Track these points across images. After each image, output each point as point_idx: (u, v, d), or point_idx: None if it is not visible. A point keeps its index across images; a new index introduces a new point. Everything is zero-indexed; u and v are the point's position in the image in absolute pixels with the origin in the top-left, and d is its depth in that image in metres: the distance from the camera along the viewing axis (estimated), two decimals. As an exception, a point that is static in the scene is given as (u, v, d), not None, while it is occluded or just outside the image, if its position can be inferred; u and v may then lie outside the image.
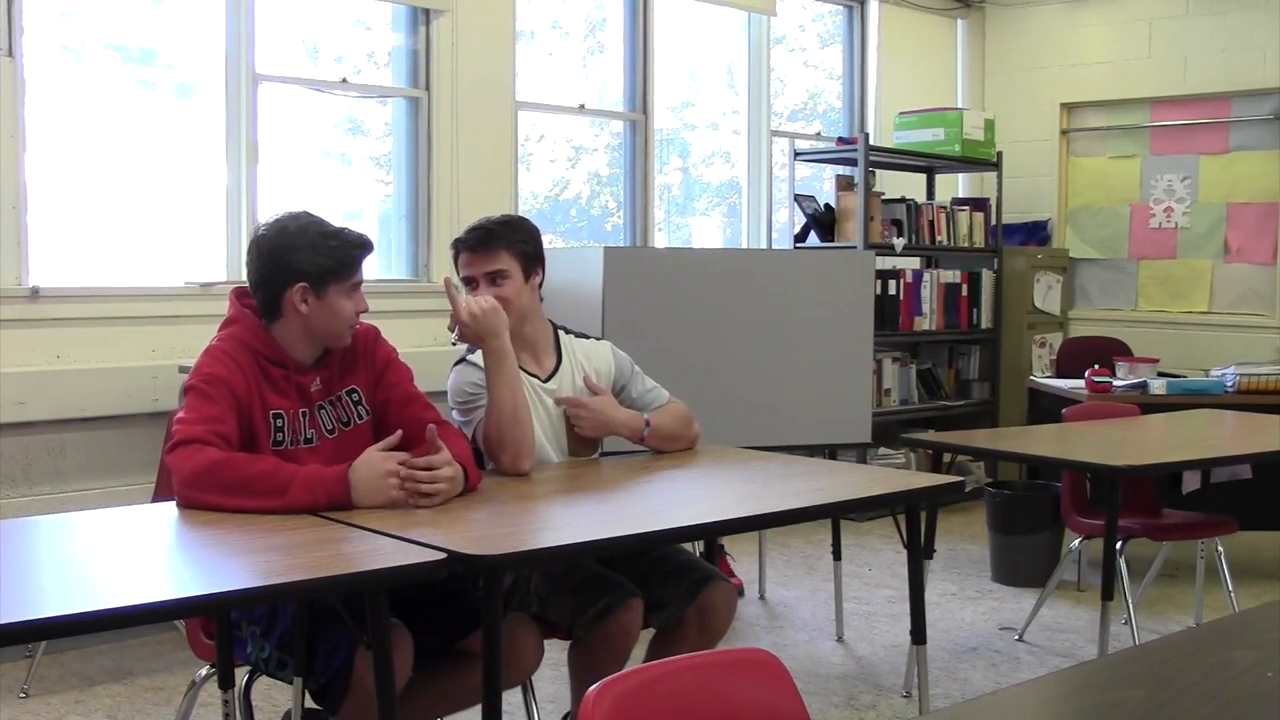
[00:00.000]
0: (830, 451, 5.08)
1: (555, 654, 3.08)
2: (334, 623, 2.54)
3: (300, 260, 2.74)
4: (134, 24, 4.92)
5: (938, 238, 7.13)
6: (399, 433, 2.70)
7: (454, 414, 3.14)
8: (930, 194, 7.40)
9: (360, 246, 2.80)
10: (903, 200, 6.96)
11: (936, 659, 4.41)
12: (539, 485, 2.97)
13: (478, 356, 3.09)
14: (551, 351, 3.29)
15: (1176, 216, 7.46)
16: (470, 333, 3.00)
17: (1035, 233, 7.89)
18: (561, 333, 3.34)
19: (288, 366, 2.77)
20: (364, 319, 2.96)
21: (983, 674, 4.34)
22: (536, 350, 3.25)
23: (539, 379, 3.22)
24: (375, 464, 2.62)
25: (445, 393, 3.20)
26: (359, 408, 2.87)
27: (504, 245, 3.15)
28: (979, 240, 7.35)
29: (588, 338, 3.44)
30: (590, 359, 3.35)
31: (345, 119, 5.69)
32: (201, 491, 2.53)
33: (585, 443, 3.27)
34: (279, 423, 2.74)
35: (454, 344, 3.10)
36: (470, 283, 3.15)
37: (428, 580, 2.35)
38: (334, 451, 2.76)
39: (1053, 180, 7.88)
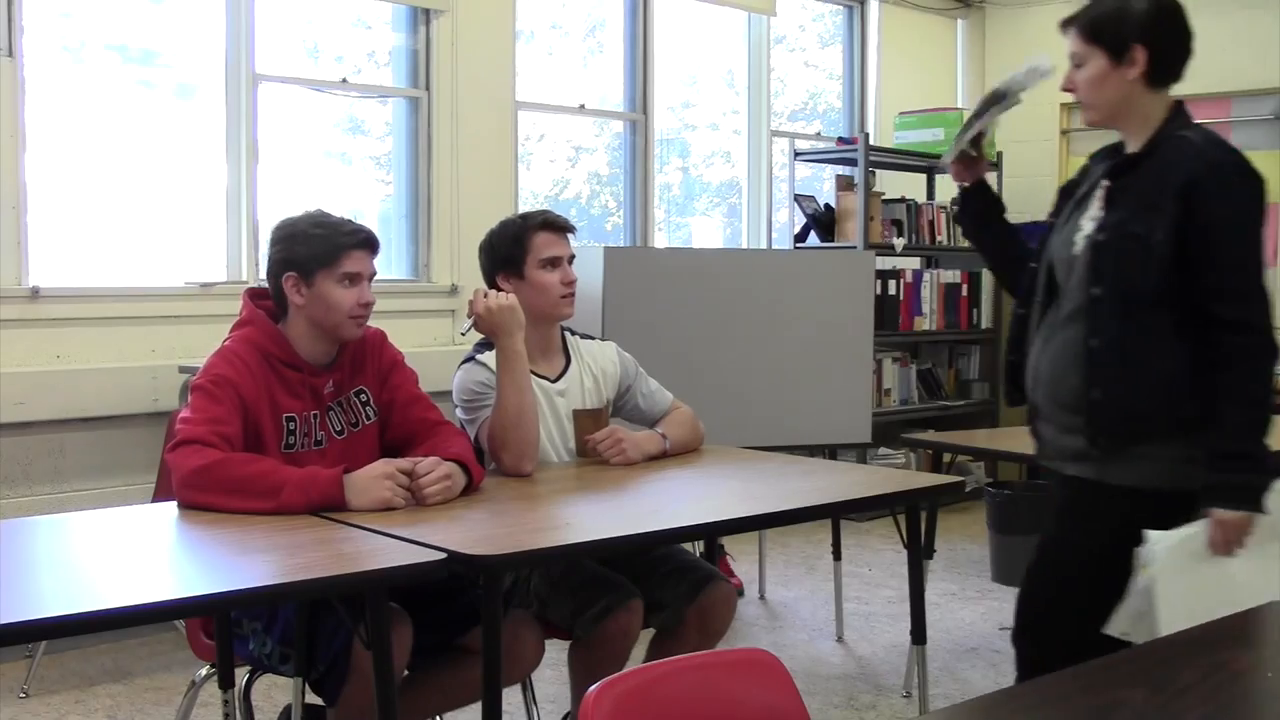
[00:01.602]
0: (830, 451, 5.09)
1: (555, 654, 3.08)
2: (333, 610, 2.54)
3: (289, 250, 2.78)
4: (134, 24, 4.92)
5: (938, 238, 7.13)
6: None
7: (458, 412, 3.14)
8: (930, 194, 7.40)
9: (349, 234, 2.79)
10: (903, 200, 6.96)
11: (936, 659, 4.41)
12: (539, 485, 2.97)
13: (486, 356, 3.10)
14: (559, 353, 3.30)
15: (1176, 216, 7.45)
16: (485, 325, 3.02)
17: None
18: (567, 334, 3.35)
19: (302, 369, 2.78)
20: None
21: (983, 674, 4.34)
22: (547, 351, 3.26)
23: (548, 380, 3.22)
24: (373, 467, 2.62)
25: (446, 392, 3.20)
26: (366, 409, 2.88)
27: None
28: (979, 240, 7.34)
29: (592, 338, 3.44)
30: (596, 360, 3.36)
31: (345, 119, 5.69)
32: (199, 491, 2.54)
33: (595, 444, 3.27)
34: (290, 425, 2.74)
35: (464, 333, 3.11)
36: (554, 263, 3.19)
37: (428, 579, 2.35)
38: (342, 453, 2.77)
39: (1053, 180, 7.86)
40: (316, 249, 2.76)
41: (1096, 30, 2.57)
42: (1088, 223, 2.61)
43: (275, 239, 2.82)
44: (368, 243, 2.82)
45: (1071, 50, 2.63)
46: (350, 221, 2.83)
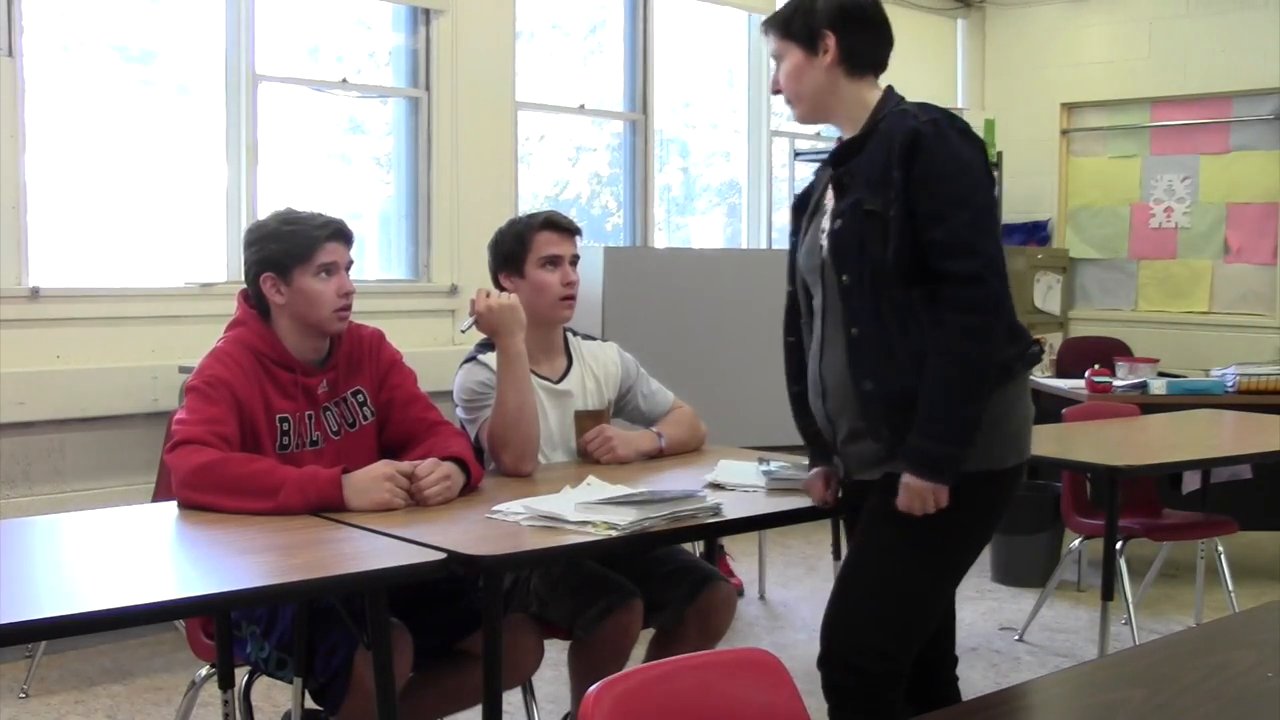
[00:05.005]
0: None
1: (555, 654, 3.08)
2: (334, 622, 2.55)
3: (262, 250, 2.79)
4: (134, 24, 4.92)
5: (938, 238, 7.12)
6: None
7: (459, 412, 3.14)
8: (930, 194, 7.39)
9: (320, 227, 2.79)
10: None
11: (936, 659, 4.40)
12: (540, 485, 2.96)
13: (488, 357, 3.11)
14: (561, 353, 3.30)
15: (1176, 216, 7.46)
16: (486, 325, 3.02)
17: (1035, 233, 7.89)
18: (569, 335, 3.35)
19: (294, 369, 2.78)
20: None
21: (983, 674, 4.34)
22: (549, 352, 3.26)
23: (550, 381, 3.22)
24: (373, 468, 2.62)
25: (446, 392, 3.21)
26: (364, 409, 2.88)
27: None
28: (979, 240, 7.33)
29: (593, 339, 3.44)
30: (598, 361, 3.36)
31: (345, 119, 5.69)
32: (198, 491, 2.54)
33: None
34: (285, 426, 2.74)
35: (463, 331, 3.11)
36: (555, 262, 3.18)
37: (428, 580, 2.35)
38: (339, 453, 2.76)
39: (1053, 180, 7.88)
40: (290, 245, 2.77)
41: (788, 25, 2.57)
42: (827, 222, 2.56)
43: (248, 242, 2.83)
44: (340, 233, 2.82)
45: (772, 51, 2.63)
46: (320, 215, 2.84)
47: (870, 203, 2.44)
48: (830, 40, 2.53)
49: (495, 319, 3.00)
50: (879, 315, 2.44)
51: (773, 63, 2.64)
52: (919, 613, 2.49)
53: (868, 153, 2.50)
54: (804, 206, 2.68)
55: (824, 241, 2.54)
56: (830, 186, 2.57)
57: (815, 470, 2.75)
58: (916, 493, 2.38)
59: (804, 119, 2.65)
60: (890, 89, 2.62)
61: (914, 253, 2.41)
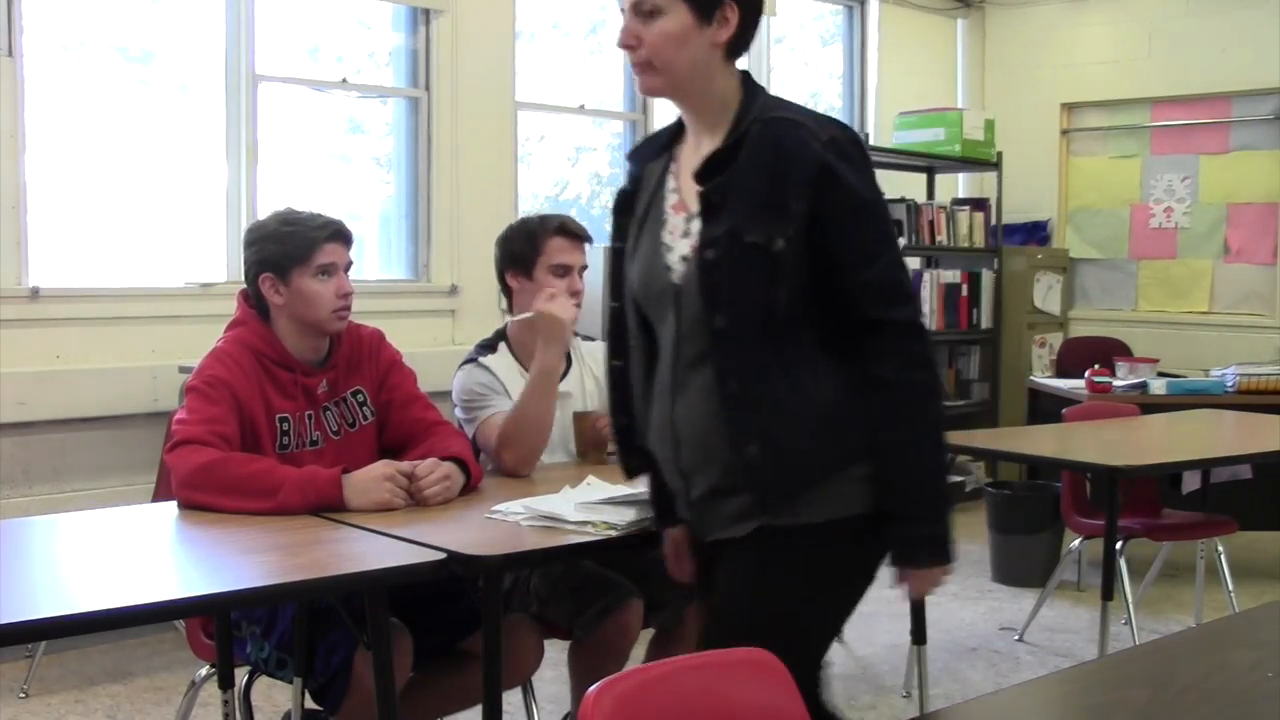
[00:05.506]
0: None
1: (555, 654, 3.08)
2: (334, 622, 2.55)
3: (261, 251, 2.79)
4: (134, 24, 4.92)
5: (938, 238, 7.13)
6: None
7: (457, 412, 3.14)
8: (930, 194, 7.40)
9: (319, 228, 2.80)
10: (902, 200, 6.95)
11: (936, 659, 4.41)
12: (539, 486, 2.96)
13: (488, 359, 3.11)
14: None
15: (1176, 216, 7.45)
16: (541, 325, 3.01)
17: (1035, 233, 7.89)
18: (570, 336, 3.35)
19: (294, 369, 2.78)
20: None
21: (983, 674, 4.34)
22: None
23: None
24: (373, 468, 2.62)
25: (446, 392, 3.21)
26: (364, 409, 2.88)
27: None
28: (979, 240, 7.35)
29: (593, 340, 3.44)
30: (598, 362, 3.35)
31: (345, 119, 5.69)
32: (198, 491, 2.54)
33: (595, 446, 3.27)
34: (284, 426, 2.74)
35: (513, 318, 3.11)
36: (564, 270, 3.15)
37: (428, 580, 2.35)
38: (339, 453, 2.77)
39: (1053, 180, 7.88)
40: (288, 246, 2.77)
41: None
42: (676, 240, 2.17)
43: (248, 242, 2.83)
44: (339, 234, 2.82)
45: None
46: (320, 215, 2.84)
47: (752, 234, 2.05)
48: (733, 13, 2.10)
49: (551, 325, 3.00)
50: (765, 369, 2.07)
51: (624, 14, 2.13)
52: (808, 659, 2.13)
53: (740, 169, 2.09)
54: (629, 208, 2.30)
55: (673, 264, 2.15)
56: (673, 196, 2.22)
57: (671, 537, 2.36)
58: (930, 580, 2.12)
59: (654, 91, 2.18)
60: (748, 77, 2.19)
61: (810, 292, 2.07)
